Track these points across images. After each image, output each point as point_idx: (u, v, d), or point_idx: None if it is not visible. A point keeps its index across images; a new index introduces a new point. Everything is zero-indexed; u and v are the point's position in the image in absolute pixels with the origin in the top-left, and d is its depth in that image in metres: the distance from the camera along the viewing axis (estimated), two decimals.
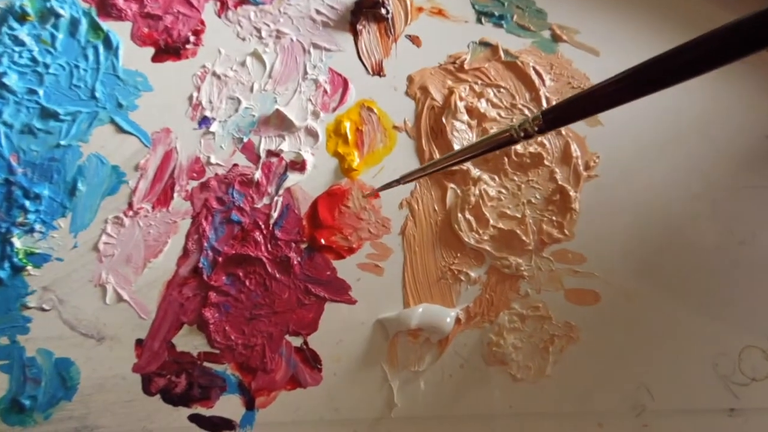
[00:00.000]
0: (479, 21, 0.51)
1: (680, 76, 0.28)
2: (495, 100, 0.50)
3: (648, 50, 0.51)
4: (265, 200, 0.47)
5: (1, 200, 0.45)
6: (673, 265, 0.48)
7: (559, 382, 0.46)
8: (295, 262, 0.46)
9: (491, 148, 0.38)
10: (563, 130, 0.49)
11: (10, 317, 0.44)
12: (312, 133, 0.48)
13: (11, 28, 0.47)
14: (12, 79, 0.46)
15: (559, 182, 0.48)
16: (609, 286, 0.47)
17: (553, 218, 0.48)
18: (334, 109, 0.49)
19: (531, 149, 0.49)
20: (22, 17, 0.47)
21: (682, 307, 0.47)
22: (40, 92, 0.47)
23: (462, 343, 0.46)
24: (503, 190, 0.48)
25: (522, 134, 0.35)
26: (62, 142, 0.46)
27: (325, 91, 0.49)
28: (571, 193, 0.48)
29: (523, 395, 0.46)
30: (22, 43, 0.47)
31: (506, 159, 0.48)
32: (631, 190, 0.49)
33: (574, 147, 0.49)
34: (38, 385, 0.43)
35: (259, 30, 0.50)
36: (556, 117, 0.34)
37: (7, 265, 0.44)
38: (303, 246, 0.47)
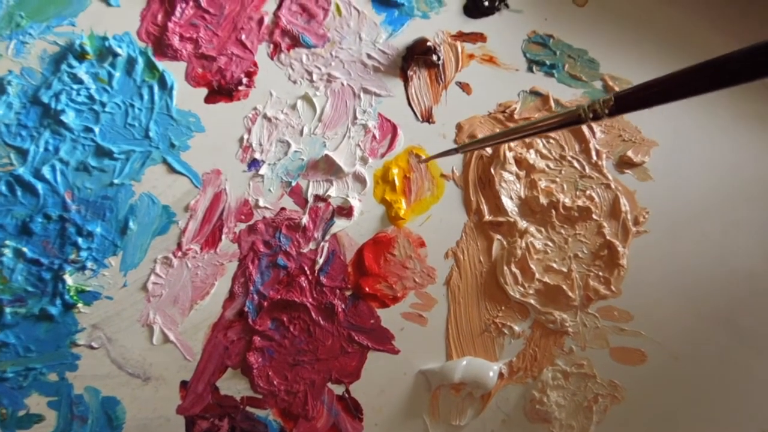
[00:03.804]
0: (530, 69, 0.51)
1: (757, 73, 0.27)
2: (544, 151, 0.49)
3: (702, 104, 0.51)
4: (312, 245, 0.47)
5: (55, 236, 0.46)
6: (724, 326, 0.47)
7: None
8: (340, 309, 0.46)
9: (557, 125, 0.37)
10: (612, 183, 0.49)
11: (60, 354, 0.44)
12: (360, 179, 0.48)
13: (70, 66, 0.48)
14: (69, 117, 0.47)
15: (607, 237, 0.48)
16: (656, 346, 0.46)
17: (600, 274, 0.48)
18: (383, 155, 0.49)
19: (579, 202, 0.48)
20: (81, 56, 0.48)
21: (735, 370, 0.46)
22: (96, 130, 0.48)
23: (504, 398, 0.46)
24: (550, 243, 0.48)
25: (591, 115, 0.34)
26: (116, 181, 0.47)
27: (374, 137, 0.49)
28: (620, 248, 0.48)
29: None
30: (80, 81, 0.48)
31: (554, 212, 0.48)
32: (681, 248, 0.48)
33: (623, 201, 0.49)
34: (85, 423, 0.44)
35: (310, 73, 0.50)
36: (629, 100, 0.33)
37: (58, 301, 0.45)
38: (348, 293, 0.47)
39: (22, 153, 0.47)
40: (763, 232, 0.49)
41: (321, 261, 0.47)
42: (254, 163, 0.48)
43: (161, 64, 0.49)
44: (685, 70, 0.29)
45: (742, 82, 0.28)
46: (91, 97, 0.48)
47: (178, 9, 0.50)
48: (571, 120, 0.36)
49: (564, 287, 0.47)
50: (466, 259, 0.48)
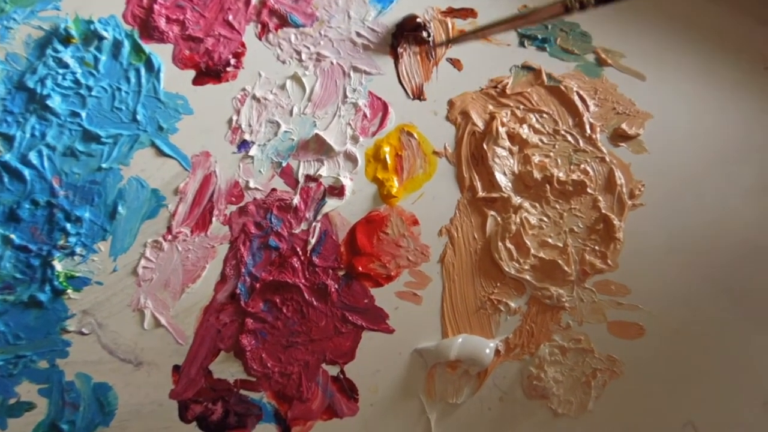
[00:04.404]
0: (522, 44, 0.50)
1: None
2: (537, 125, 0.49)
3: (696, 74, 0.50)
4: (303, 226, 0.46)
5: (43, 222, 0.45)
6: (721, 298, 0.46)
7: (602, 418, 0.45)
8: (333, 290, 0.45)
9: (544, 16, 0.37)
10: (607, 157, 0.48)
11: (50, 341, 0.44)
12: (351, 158, 0.48)
13: (56, 50, 0.48)
14: (55, 102, 0.47)
15: (603, 211, 0.47)
16: (654, 319, 0.46)
17: (596, 248, 0.47)
18: (374, 134, 0.48)
19: (574, 176, 0.47)
20: (66, 39, 0.48)
21: (731, 342, 0.46)
22: (83, 115, 0.47)
23: (501, 376, 0.45)
24: (545, 219, 0.47)
25: (577, 5, 0.34)
26: (103, 165, 0.46)
27: (365, 115, 0.49)
28: (615, 222, 0.47)
29: (564, 431, 0.45)
30: (66, 66, 0.47)
31: (548, 186, 0.47)
32: (677, 220, 0.47)
33: (618, 174, 0.48)
34: (76, 410, 0.43)
35: (299, 53, 0.49)
36: None
37: (47, 288, 0.44)
38: (340, 273, 0.46)
39: (8, 139, 0.46)
40: (757, 201, 0.48)
41: (313, 241, 0.46)
42: (244, 145, 0.48)
43: (148, 47, 0.48)
44: None
45: None
46: (77, 82, 0.47)
47: None
48: (558, 11, 0.35)
49: (560, 262, 0.46)
50: (460, 237, 0.47)
